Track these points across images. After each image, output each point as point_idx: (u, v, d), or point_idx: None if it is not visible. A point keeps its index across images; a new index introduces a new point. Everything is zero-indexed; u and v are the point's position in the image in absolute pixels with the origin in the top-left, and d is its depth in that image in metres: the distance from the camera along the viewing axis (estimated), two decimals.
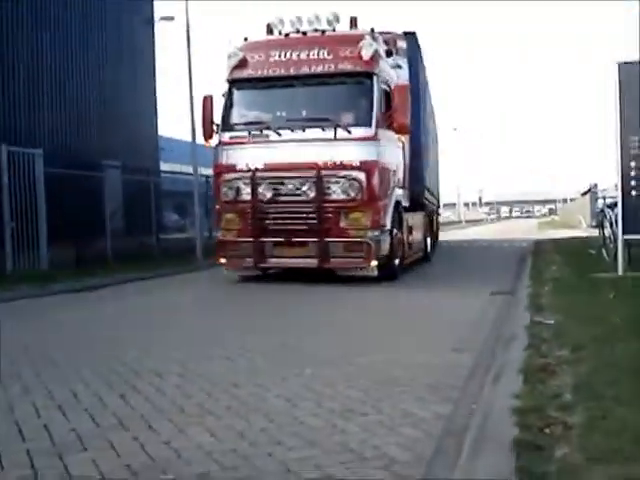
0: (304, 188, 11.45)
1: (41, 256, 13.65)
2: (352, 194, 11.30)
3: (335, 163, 11.33)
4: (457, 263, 17.95)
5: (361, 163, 11.32)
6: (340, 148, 11.36)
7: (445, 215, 56.68)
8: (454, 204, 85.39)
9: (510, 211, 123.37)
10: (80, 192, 14.94)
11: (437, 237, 22.64)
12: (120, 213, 17.14)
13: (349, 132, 11.33)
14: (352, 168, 11.31)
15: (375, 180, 11.39)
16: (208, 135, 12.35)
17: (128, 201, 17.67)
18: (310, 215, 11.46)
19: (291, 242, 11.59)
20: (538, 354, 5.07)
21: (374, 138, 11.47)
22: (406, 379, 4.98)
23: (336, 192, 11.37)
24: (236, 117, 12.31)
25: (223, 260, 12.15)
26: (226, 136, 12.11)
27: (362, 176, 11.29)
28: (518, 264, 14.82)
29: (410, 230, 14.10)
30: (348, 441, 3.63)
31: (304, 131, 11.54)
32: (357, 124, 11.50)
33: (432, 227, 19.93)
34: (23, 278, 11.98)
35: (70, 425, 4.04)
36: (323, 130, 11.37)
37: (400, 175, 13.15)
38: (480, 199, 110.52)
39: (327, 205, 11.38)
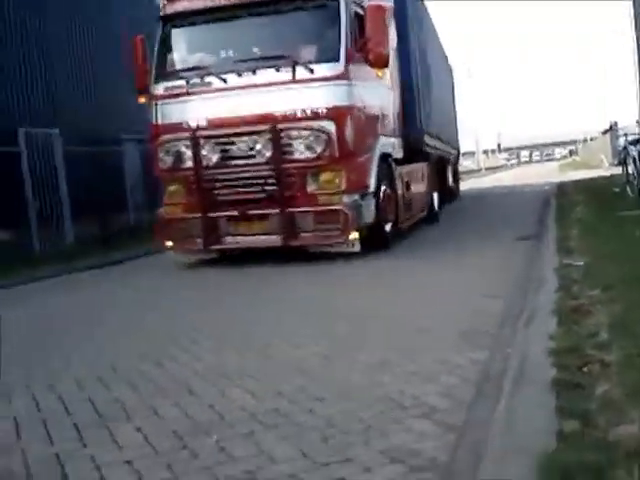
0: (258, 147, 9.18)
1: (66, 233, 13.78)
2: (318, 150, 8.98)
3: (295, 112, 9.03)
4: (474, 215, 16.35)
5: (328, 110, 8.96)
6: (301, 92, 9.04)
7: (464, 164, 56.27)
8: (473, 152, 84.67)
9: (530, 155, 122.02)
10: (100, 167, 14.96)
11: (455, 190, 20.94)
12: (140, 186, 17.18)
13: (311, 71, 9.01)
14: (317, 117, 8.99)
15: (348, 130, 9.09)
16: (140, 88, 10.03)
17: (148, 174, 17.67)
18: (268, 180, 9.23)
19: (247, 216, 9.38)
20: (570, 296, 5.06)
21: (344, 76, 9.07)
22: (438, 328, 5.02)
23: (298, 149, 9.07)
24: (172, 63, 10.04)
25: (169, 243, 9.96)
26: (160, 88, 9.76)
27: (331, 126, 8.96)
28: (542, 208, 14.62)
29: (407, 186, 11.65)
30: (387, 392, 3.68)
31: (255, 74, 9.18)
32: (321, 60, 9.14)
33: (444, 179, 18.01)
34: (52, 256, 12.09)
35: (113, 395, 4.13)
36: (278, 71, 9.08)
37: (388, 120, 10.82)
38: (499, 145, 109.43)
39: (288, 166, 9.12)
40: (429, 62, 15.14)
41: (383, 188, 9.95)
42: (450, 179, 19.63)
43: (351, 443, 3.06)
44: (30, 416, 3.90)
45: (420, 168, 13.27)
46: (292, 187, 9.15)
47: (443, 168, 18.01)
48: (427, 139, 13.60)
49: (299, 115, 9.02)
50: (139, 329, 6.15)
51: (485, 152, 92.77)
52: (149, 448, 3.25)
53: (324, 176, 9.11)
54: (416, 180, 12.63)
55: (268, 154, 9.13)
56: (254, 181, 9.31)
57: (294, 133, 9.08)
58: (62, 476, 3.04)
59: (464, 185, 27.81)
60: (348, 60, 9.13)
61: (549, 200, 16.14)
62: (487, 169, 71.92)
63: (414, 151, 12.36)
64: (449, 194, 18.72)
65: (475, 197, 23.42)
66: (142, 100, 10.06)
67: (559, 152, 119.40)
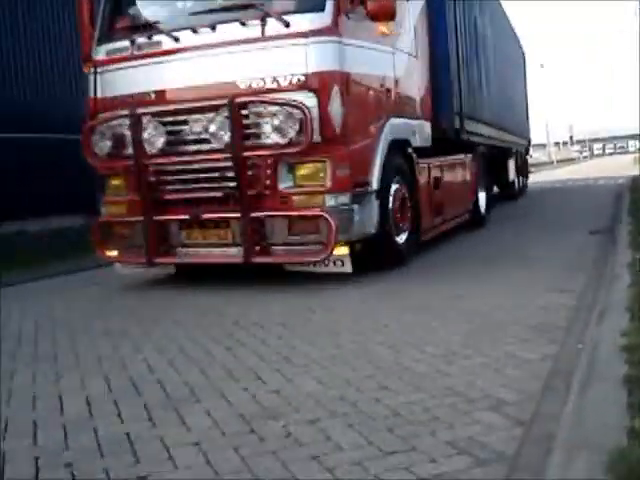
0: (213, 128, 6.85)
1: None
2: (291, 132, 6.58)
3: (264, 80, 6.73)
4: (541, 211, 15.23)
5: (307, 77, 6.59)
6: (272, 53, 6.71)
7: (535, 156, 55.26)
8: (544, 144, 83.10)
9: (603, 148, 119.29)
10: None
11: (520, 185, 19.08)
12: None
13: (287, 24, 6.62)
14: (294, 87, 6.62)
15: (335, 105, 6.63)
16: (86, 54, 7.84)
17: None
18: (227, 174, 6.94)
19: (201, 221, 7.21)
20: None
21: (332, 31, 6.67)
22: (508, 322, 4.96)
23: (265, 131, 6.73)
24: (118, 20, 7.82)
25: (112, 253, 7.79)
26: (102, 51, 7.65)
27: (310, 100, 6.56)
28: (615, 202, 14.22)
29: (436, 184, 9.24)
30: (454, 384, 3.66)
31: (214, 30, 6.93)
32: (301, 9, 6.79)
33: (504, 174, 16.44)
34: None
35: (182, 378, 4.19)
36: (244, 25, 6.77)
37: (406, 97, 8.41)
38: (571, 137, 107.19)
39: (252, 155, 6.80)
40: (483, 39, 13.07)
41: (395, 187, 7.69)
42: (512, 173, 17.48)
43: (417, 433, 3.06)
44: (102, 396, 3.99)
45: (460, 161, 10.89)
46: (258, 183, 6.85)
47: (502, 161, 16.34)
48: (469, 125, 11.04)
49: (268, 85, 6.73)
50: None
51: (557, 144, 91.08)
52: (217, 430, 3.30)
53: (301, 169, 6.79)
54: (452, 176, 10.31)
55: (226, 138, 6.82)
56: (209, 174, 7.12)
57: (260, 109, 6.76)
58: (132, 454, 3.11)
59: (534, 177, 27.27)
60: (338, 10, 6.76)
61: (623, 194, 15.73)
62: (558, 162, 70.58)
63: (452, 140, 10.16)
64: (511, 190, 17.48)
65: (545, 191, 22.92)
66: (87, 69, 7.88)
67: (633, 145, 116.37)
